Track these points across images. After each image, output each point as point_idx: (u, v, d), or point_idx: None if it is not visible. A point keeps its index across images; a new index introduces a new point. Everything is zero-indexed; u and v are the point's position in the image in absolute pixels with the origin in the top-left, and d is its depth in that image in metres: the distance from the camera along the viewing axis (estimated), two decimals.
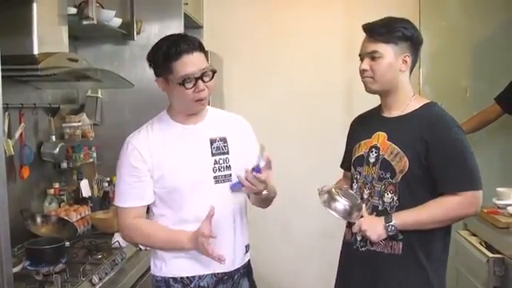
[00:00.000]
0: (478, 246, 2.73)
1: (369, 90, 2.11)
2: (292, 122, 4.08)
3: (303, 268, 4.12)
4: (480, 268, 2.59)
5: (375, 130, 2.12)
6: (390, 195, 2.02)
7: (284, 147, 4.06)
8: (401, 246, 2.01)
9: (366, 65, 2.07)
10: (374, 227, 1.99)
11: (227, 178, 2.01)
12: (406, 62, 2.04)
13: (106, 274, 2.25)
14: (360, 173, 2.14)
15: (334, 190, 2.04)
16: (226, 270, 2.02)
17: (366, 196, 2.09)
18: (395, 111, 2.11)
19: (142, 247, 2.62)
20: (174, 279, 2.00)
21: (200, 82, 1.89)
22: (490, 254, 2.57)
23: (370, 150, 2.10)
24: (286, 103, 4.08)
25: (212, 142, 2.02)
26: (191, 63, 1.88)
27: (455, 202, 1.96)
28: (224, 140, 2.04)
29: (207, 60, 1.99)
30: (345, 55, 3.99)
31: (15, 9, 2.29)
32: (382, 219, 1.99)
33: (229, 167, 2.02)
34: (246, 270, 2.14)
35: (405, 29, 2.02)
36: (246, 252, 2.13)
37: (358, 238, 2.09)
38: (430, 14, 3.81)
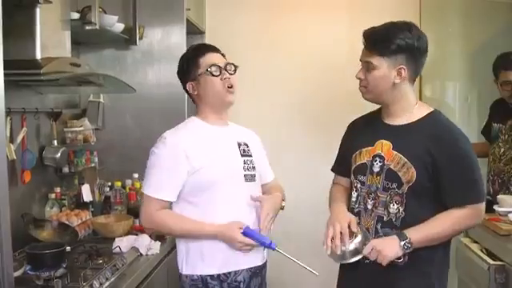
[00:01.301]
0: (479, 253, 2.73)
1: (364, 98, 2.15)
2: (295, 126, 4.09)
3: (307, 271, 4.10)
4: (481, 275, 2.59)
5: (378, 137, 2.10)
6: (395, 206, 2.00)
7: (287, 151, 4.08)
8: (406, 258, 1.99)
9: (360, 74, 2.10)
10: (389, 246, 1.95)
11: (253, 177, 2.20)
12: (400, 74, 2.01)
13: (107, 279, 2.25)
14: (363, 182, 2.10)
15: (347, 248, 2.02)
16: (258, 264, 2.19)
17: (369, 206, 2.07)
18: (399, 119, 2.09)
19: (143, 251, 2.62)
20: (211, 276, 2.10)
21: (224, 72, 2.14)
22: (491, 261, 2.56)
23: (374, 159, 2.07)
24: (289, 108, 4.08)
25: (239, 144, 2.21)
26: (215, 57, 2.17)
27: (462, 214, 1.98)
28: (247, 145, 2.24)
29: None
30: (348, 60, 3.96)
31: (18, 14, 2.30)
32: (395, 238, 1.95)
33: (254, 168, 2.22)
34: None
35: (401, 40, 1.98)
36: (264, 248, 2.24)
37: None
38: (431, 20, 3.82)
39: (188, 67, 2.18)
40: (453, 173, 1.96)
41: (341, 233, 2.02)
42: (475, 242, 2.89)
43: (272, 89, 4.09)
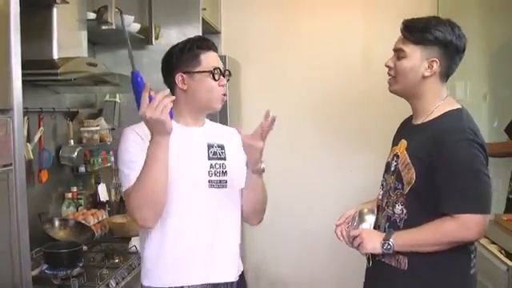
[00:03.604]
0: (498, 254, 2.70)
1: (390, 90, 2.03)
2: (309, 126, 4.07)
3: (320, 272, 4.10)
4: (500, 276, 2.56)
5: (402, 136, 2.04)
6: (400, 207, 1.93)
7: (300, 151, 4.07)
8: (406, 261, 1.90)
9: (390, 62, 1.99)
10: (372, 238, 1.94)
11: (222, 183, 1.96)
12: (431, 66, 1.91)
13: (123, 278, 2.26)
14: (386, 179, 2.07)
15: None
16: (217, 281, 1.92)
17: (383, 205, 2.03)
18: (420, 118, 2.00)
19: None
20: None
21: (222, 77, 1.97)
22: (510, 263, 2.53)
23: (393, 158, 2.02)
24: (303, 108, 4.07)
25: (209, 146, 1.98)
26: (216, 58, 1.99)
27: (451, 225, 1.82)
28: (222, 147, 2.00)
29: None
30: (363, 59, 3.97)
31: (35, 14, 2.32)
32: (382, 235, 1.93)
33: (225, 173, 1.97)
34: (239, 286, 2.01)
35: (440, 32, 1.89)
36: (240, 266, 2.04)
37: None
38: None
39: (186, 58, 1.96)
40: (443, 178, 1.84)
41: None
42: (493, 242, 2.85)
43: (286, 89, 4.08)
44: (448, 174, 1.83)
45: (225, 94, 1.99)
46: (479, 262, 2.84)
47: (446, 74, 1.97)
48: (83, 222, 2.76)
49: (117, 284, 2.19)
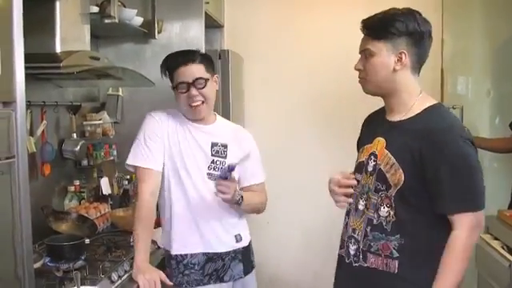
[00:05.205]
0: (500, 250, 2.69)
1: (364, 90, 1.98)
2: (310, 122, 4.06)
3: (320, 269, 4.09)
4: (502, 272, 2.56)
5: (376, 134, 1.95)
6: (386, 209, 1.84)
7: (301, 148, 4.05)
8: (396, 265, 1.83)
9: (358, 64, 1.95)
10: None
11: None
12: (400, 59, 1.85)
13: (125, 271, 2.26)
14: (358, 181, 1.96)
15: None
16: (214, 251, 2.30)
17: (361, 207, 1.92)
18: (398, 114, 1.92)
19: (161, 245, 2.63)
20: (170, 256, 2.32)
21: (192, 88, 2.22)
22: None
23: (369, 158, 1.93)
24: (305, 103, 4.05)
25: (213, 145, 2.32)
26: (184, 72, 2.23)
27: (463, 239, 1.76)
28: (225, 146, 2.34)
29: (211, 69, 2.30)
30: None
31: (38, 8, 2.31)
32: None
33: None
34: (241, 256, 2.37)
35: (401, 23, 1.83)
36: (238, 241, 2.37)
37: (352, 253, 1.94)
38: (453, 15, 3.77)
39: (167, 75, 2.31)
40: (442, 176, 1.75)
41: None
42: (496, 238, 2.85)
43: (289, 84, 4.07)
44: (447, 172, 1.75)
45: (192, 105, 2.25)
46: (482, 258, 2.86)
47: (417, 65, 1.90)
48: (86, 215, 2.76)
49: (119, 277, 2.20)
